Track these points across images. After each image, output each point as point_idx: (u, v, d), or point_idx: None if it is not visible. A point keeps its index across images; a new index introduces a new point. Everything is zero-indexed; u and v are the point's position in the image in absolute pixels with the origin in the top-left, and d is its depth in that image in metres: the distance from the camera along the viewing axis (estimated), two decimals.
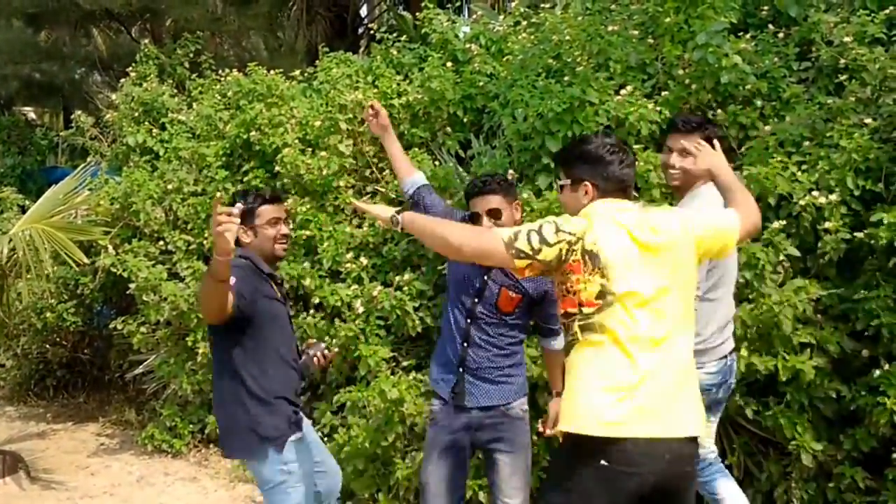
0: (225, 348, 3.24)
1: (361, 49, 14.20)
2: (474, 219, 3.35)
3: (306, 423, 3.47)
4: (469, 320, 3.41)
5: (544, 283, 3.32)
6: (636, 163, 2.89)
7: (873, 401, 3.77)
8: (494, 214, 3.31)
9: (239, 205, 3.23)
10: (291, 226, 5.78)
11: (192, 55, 9.53)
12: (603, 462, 2.39)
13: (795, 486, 4.02)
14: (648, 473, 2.38)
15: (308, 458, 3.38)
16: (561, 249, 2.47)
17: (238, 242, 3.21)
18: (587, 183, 2.64)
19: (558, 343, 3.42)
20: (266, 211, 3.37)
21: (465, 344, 3.42)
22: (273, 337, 3.29)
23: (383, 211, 3.05)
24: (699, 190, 3.39)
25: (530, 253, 2.47)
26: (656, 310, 2.47)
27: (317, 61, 7.34)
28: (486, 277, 3.37)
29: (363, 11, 16.82)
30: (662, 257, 2.51)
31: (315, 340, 3.55)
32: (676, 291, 2.52)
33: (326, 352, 3.57)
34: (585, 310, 2.48)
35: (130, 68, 8.26)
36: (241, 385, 3.21)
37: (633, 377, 2.42)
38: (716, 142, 3.21)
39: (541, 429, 3.61)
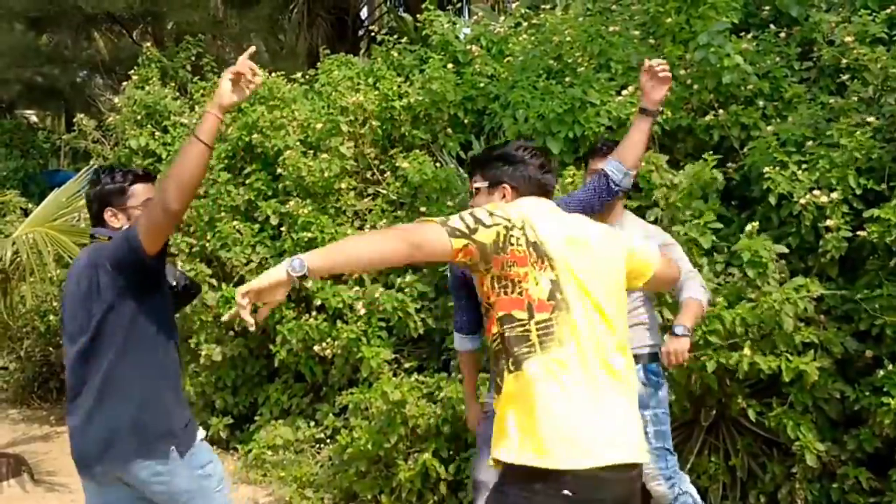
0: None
1: (362, 51, 14.21)
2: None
3: None
4: None
5: None
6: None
7: (877, 401, 3.76)
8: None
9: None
10: (295, 228, 5.80)
11: (193, 58, 9.54)
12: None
13: (799, 487, 4.01)
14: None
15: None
16: (498, 233, 2.19)
17: (103, 224, 2.83)
18: (506, 185, 2.47)
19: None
20: (140, 191, 2.84)
21: None
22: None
23: (272, 272, 2.07)
24: (626, 218, 3.54)
25: (466, 232, 2.18)
26: (607, 318, 2.24)
27: (318, 63, 7.34)
28: None
29: (363, 14, 16.83)
30: (601, 260, 2.30)
31: None
32: (618, 296, 2.33)
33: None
34: (539, 314, 2.17)
35: (132, 71, 8.27)
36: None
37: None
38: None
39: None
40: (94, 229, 2.86)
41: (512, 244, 2.19)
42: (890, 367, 3.78)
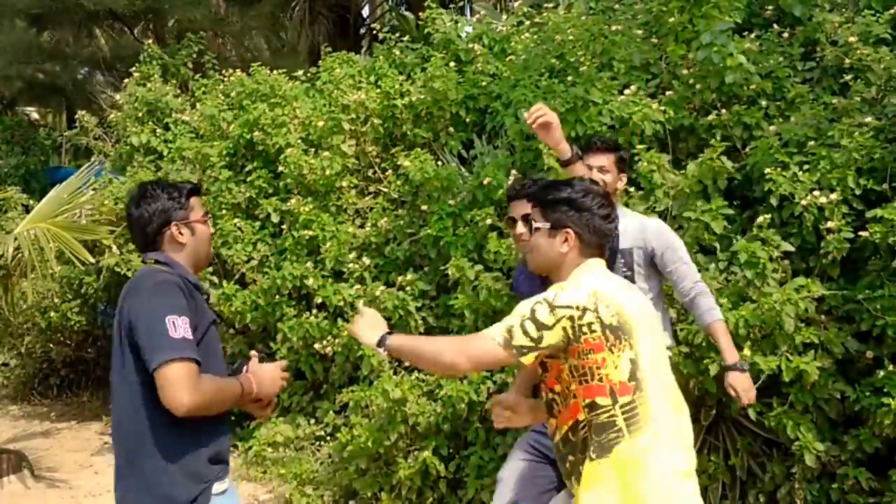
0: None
1: (364, 49, 14.21)
2: (509, 223, 3.32)
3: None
4: None
5: None
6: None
7: (877, 401, 3.75)
8: (528, 220, 3.21)
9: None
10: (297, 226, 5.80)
11: (195, 55, 9.55)
12: None
13: (799, 487, 4.01)
14: None
15: None
16: (565, 328, 2.18)
17: (158, 245, 2.60)
18: (570, 231, 2.39)
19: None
20: (196, 203, 2.68)
21: None
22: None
23: (369, 333, 2.47)
24: (624, 215, 3.47)
25: (532, 345, 2.18)
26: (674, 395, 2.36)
27: (319, 61, 7.34)
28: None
29: (365, 12, 16.82)
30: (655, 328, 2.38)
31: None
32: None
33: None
34: (622, 398, 2.18)
35: (134, 68, 8.27)
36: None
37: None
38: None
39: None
40: (150, 255, 2.60)
41: (585, 332, 2.18)
42: (890, 367, 3.78)
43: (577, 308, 2.18)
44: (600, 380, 2.18)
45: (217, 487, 2.45)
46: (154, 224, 2.58)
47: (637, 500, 2.17)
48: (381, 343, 2.41)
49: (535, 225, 2.46)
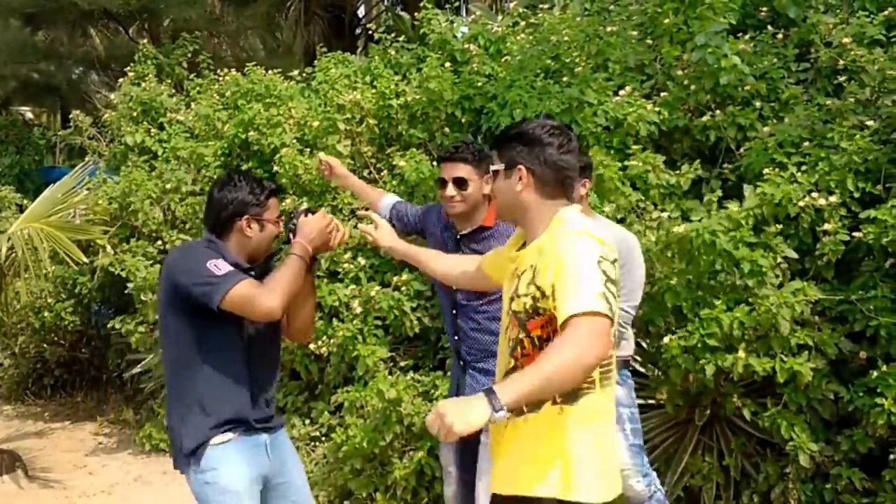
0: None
1: (359, 49, 14.21)
2: (440, 184, 3.23)
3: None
4: (454, 311, 3.27)
5: None
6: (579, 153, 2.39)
7: (871, 402, 3.77)
8: (460, 183, 3.15)
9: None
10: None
11: (190, 55, 9.53)
12: None
13: (793, 487, 4.02)
14: None
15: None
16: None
17: (227, 230, 2.80)
18: (522, 168, 2.27)
19: None
20: (273, 204, 2.88)
21: (457, 337, 3.29)
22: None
23: (474, 412, 1.92)
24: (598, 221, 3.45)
25: (611, 315, 2.05)
26: None
27: (315, 61, 7.34)
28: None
29: (360, 12, 16.83)
30: None
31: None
32: None
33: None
34: None
35: (129, 68, 8.26)
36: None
37: None
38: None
39: None
40: (207, 235, 2.83)
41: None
42: (884, 368, 3.79)
43: (614, 265, 2.11)
44: None
45: (216, 439, 2.69)
46: (228, 211, 2.78)
47: (602, 447, 2.19)
48: (497, 409, 1.90)
49: (492, 168, 2.38)
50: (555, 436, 2.15)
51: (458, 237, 3.28)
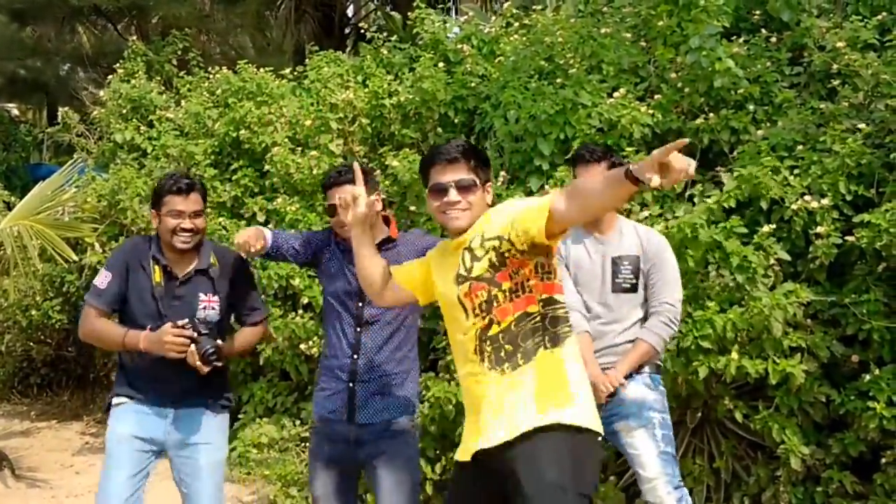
0: None
1: (348, 48, 14.17)
2: (330, 211, 3.09)
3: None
4: (358, 328, 3.04)
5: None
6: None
7: (863, 405, 3.78)
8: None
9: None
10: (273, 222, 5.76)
11: (179, 52, 9.48)
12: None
13: (784, 490, 4.02)
14: None
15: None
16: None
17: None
18: (489, 182, 2.61)
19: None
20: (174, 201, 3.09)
21: (356, 355, 3.04)
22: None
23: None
24: (623, 225, 3.47)
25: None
26: None
27: (305, 60, 7.32)
28: None
29: (350, 11, 16.78)
30: None
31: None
32: None
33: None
34: (558, 296, 2.43)
35: (118, 65, 8.21)
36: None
37: None
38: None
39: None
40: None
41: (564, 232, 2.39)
42: (876, 371, 3.80)
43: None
44: (559, 280, 2.46)
45: (115, 401, 3.27)
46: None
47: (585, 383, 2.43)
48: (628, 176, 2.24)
49: (488, 184, 2.60)
50: (555, 368, 2.38)
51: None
